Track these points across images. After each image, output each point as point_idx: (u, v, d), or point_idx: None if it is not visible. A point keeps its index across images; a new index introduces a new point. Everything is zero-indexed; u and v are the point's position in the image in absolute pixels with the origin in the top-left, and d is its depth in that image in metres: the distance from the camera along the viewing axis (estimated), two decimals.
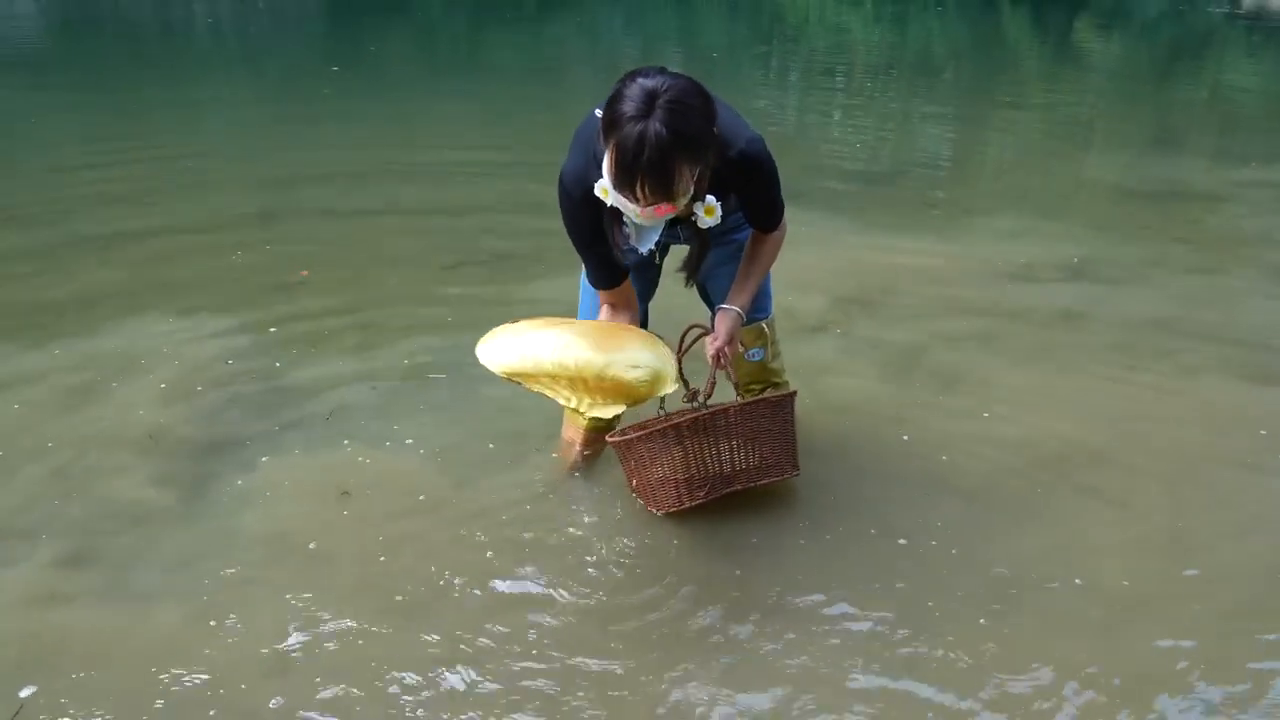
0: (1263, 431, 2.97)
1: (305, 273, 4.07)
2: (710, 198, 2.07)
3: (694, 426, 2.32)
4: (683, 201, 2.01)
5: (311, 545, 2.41)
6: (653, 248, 2.20)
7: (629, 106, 1.88)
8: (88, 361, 3.26)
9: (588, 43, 12.70)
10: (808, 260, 3.97)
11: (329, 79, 9.01)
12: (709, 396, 2.43)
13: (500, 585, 2.28)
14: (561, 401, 2.35)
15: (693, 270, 2.31)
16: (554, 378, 2.26)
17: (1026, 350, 3.49)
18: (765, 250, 2.35)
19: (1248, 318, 3.79)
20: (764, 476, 2.43)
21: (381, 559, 2.36)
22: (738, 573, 2.32)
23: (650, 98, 1.87)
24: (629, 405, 2.37)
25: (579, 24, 14.44)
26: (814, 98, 8.97)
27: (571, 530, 2.47)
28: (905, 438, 2.87)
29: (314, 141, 6.48)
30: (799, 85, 9.68)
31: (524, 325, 2.34)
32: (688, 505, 2.39)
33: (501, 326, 2.38)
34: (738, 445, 2.37)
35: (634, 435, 2.41)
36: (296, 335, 3.47)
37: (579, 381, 2.26)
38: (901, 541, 2.43)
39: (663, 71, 1.93)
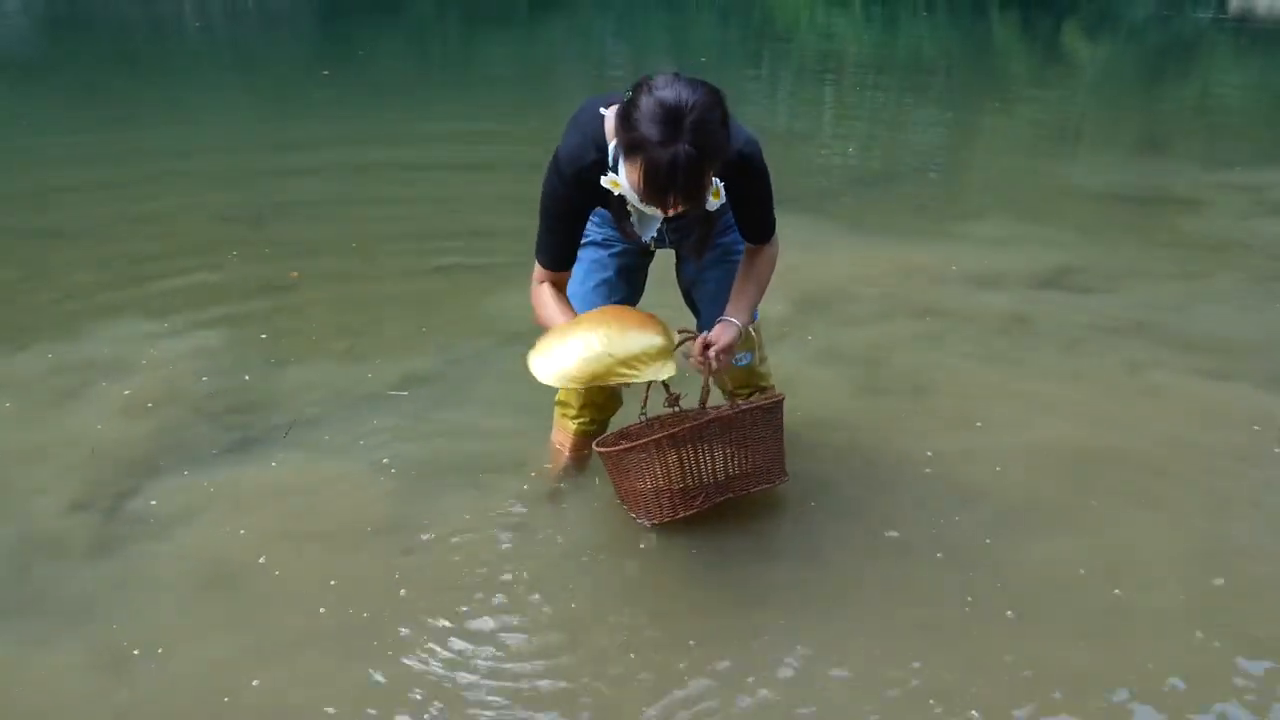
0: (1256, 427, 3.02)
1: (295, 274, 4.08)
2: (715, 180, 2.07)
3: (687, 435, 2.29)
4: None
5: (243, 575, 2.27)
6: (653, 235, 2.23)
7: (654, 130, 1.87)
8: (64, 368, 3.22)
9: (579, 46, 12.72)
10: (786, 266, 3.98)
11: (319, 82, 9.02)
12: (704, 404, 2.43)
13: (458, 617, 2.16)
14: (632, 380, 2.22)
15: (699, 250, 2.33)
16: (626, 365, 2.17)
17: (1001, 357, 3.49)
18: (760, 266, 2.34)
19: (1219, 322, 3.82)
20: (756, 483, 2.42)
21: (323, 589, 2.22)
22: (751, 584, 2.30)
23: (675, 119, 1.86)
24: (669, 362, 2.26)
25: (570, 27, 14.47)
26: (804, 102, 9.01)
27: (535, 555, 2.37)
28: (928, 453, 2.80)
29: (305, 144, 6.48)
30: (789, 89, 9.72)
31: (563, 333, 2.22)
32: (681, 515, 2.37)
33: (544, 343, 2.22)
34: (731, 453, 2.35)
35: (625, 445, 2.36)
36: (281, 341, 3.46)
37: (633, 361, 2.18)
38: (937, 554, 2.39)
39: (678, 79, 1.93)
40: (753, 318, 2.52)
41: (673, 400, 2.45)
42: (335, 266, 4.21)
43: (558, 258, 2.28)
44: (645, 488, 2.38)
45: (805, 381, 3.16)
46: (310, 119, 7.30)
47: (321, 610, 2.17)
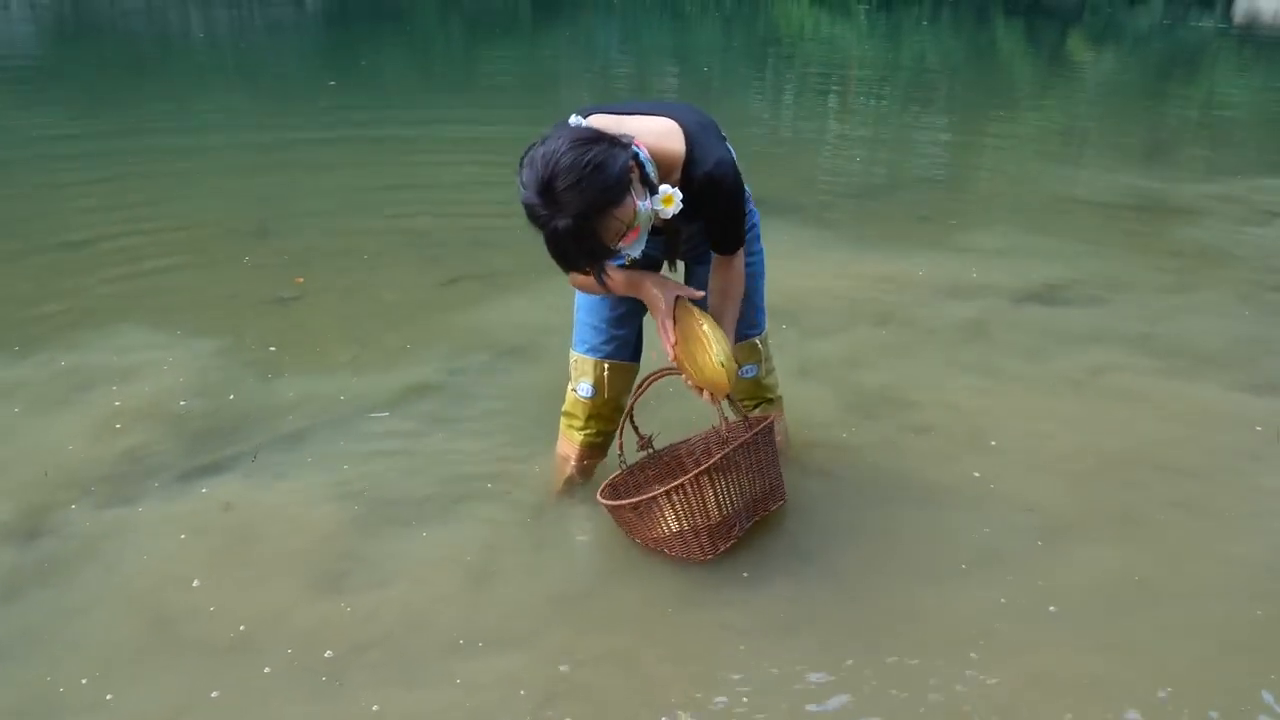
0: (1258, 428, 3.05)
1: (300, 280, 4.09)
2: (665, 187, 2.05)
3: (724, 466, 2.25)
4: (634, 226, 1.99)
5: (173, 614, 2.16)
6: (641, 253, 2.18)
7: (537, 209, 1.87)
8: (60, 379, 3.20)
9: (583, 56, 12.74)
10: (783, 276, 3.94)
11: (324, 91, 9.04)
12: (720, 430, 2.42)
13: (406, 665, 2.03)
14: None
15: (671, 256, 2.36)
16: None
17: (997, 368, 3.47)
18: (730, 279, 2.32)
19: (1206, 331, 3.83)
20: (773, 501, 2.41)
21: (260, 632, 2.11)
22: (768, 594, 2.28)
23: (546, 189, 1.85)
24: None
25: (573, 35, 14.50)
26: (807, 111, 9.02)
27: (504, 598, 2.24)
28: (938, 467, 2.77)
29: (310, 154, 6.50)
30: (793, 98, 9.73)
31: (700, 338, 2.20)
32: (723, 548, 2.32)
33: (717, 348, 2.18)
34: (754, 477, 2.34)
35: (660, 489, 2.27)
36: (280, 353, 3.44)
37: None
38: (962, 566, 2.39)
39: (555, 135, 1.90)
40: (759, 329, 2.54)
41: (644, 444, 2.44)
42: (339, 276, 4.22)
43: None
44: (673, 530, 2.31)
45: (797, 397, 3.12)
46: (315, 128, 7.31)
47: (255, 656, 2.06)
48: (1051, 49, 14.80)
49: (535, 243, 2.22)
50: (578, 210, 1.86)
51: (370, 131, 7.26)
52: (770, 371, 2.66)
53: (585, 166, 1.87)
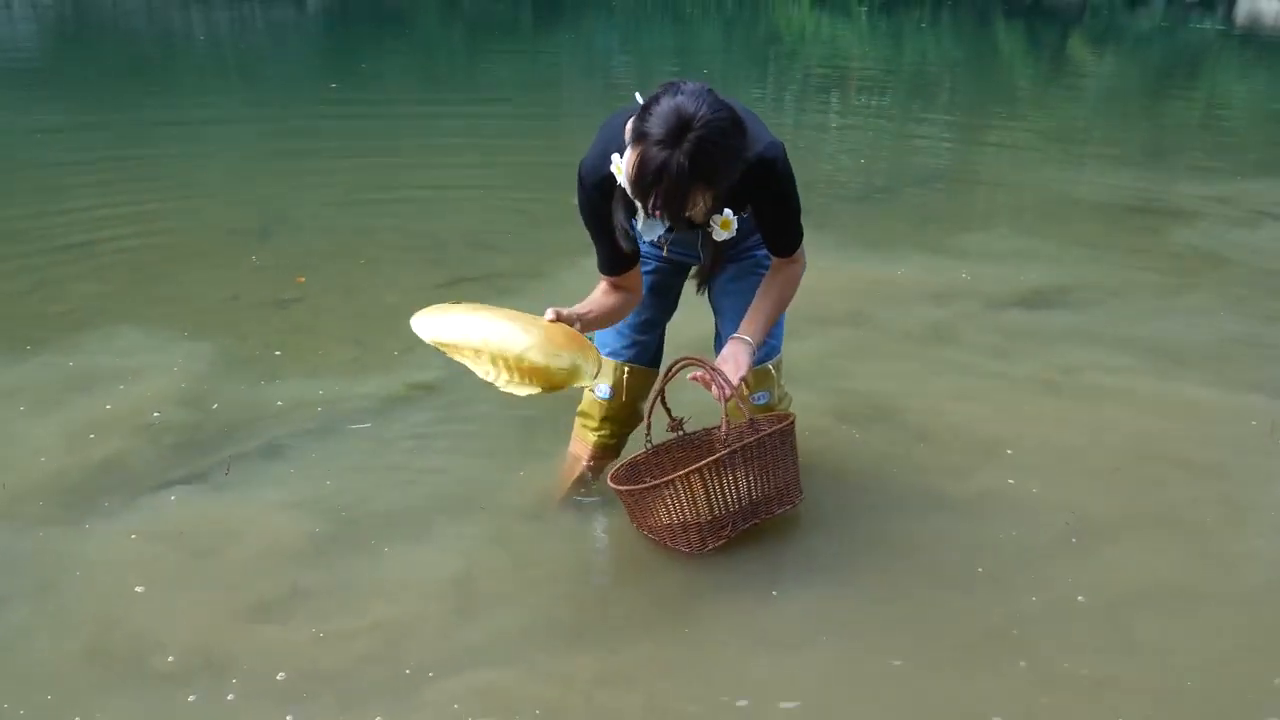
0: (1253, 423, 3.07)
1: (301, 279, 4.10)
2: (728, 211, 2.05)
3: (716, 468, 2.22)
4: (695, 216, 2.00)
5: (121, 645, 2.06)
6: (660, 237, 2.14)
7: (658, 128, 1.84)
8: (56, 383, 3.16)
9: (584, 60, 12.75)
10: None
11: (325, 95, 9.05)
12: (726, 433, 2.39)
13: (395, 686, 1.94)
14: (480, 374, 2.11)
15: (704, 278, 2.34)
16: (477, 352, 2.08)
17: (993, 375, 3.45)
18: (783, 283, 2.27)
19: (1195, 332, 3.85)
20: (779, 505, 2.37)
21: (212, 665, 2.01)
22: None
23: (682, 127, 1.83)
24: (545, 391, 2.11)
25: (575, 39, 14.50)
26: (808, 113, 9.03)
27: (479, 629, 2.13)
28: (990, 478, 2.74)
29: (311, 157, 6.51)
30: (794, 100, 9.74)
31: (465, 306, 2.20)
32: (711, 547, 2.31)
33: (444, 304, 2.20)
34: (755, 479, 2.29)
35: (652, 483, 2.29)
36: (275, 358, 3.42)
37: (499, 359, 2.07)
38: (979, 570, 2.38)
39: (709, 94, 1.88)
40: (774, 353, 2.49)
41: (675, 425, 2.43)
42: (340, 278, 4.22)
43: (604, 262, 2.28)
44: (668, 522, 2.30)
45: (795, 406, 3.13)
46: (316, 130, 7.33)
47: (217, 680, 1.97)
48: (1052, 51, 14.80)
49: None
50: (692, 160, 1.84)
51: (371, 133, 7.28)
52: (783, 399, 2.60)
53: (727, 143, 1.88)
